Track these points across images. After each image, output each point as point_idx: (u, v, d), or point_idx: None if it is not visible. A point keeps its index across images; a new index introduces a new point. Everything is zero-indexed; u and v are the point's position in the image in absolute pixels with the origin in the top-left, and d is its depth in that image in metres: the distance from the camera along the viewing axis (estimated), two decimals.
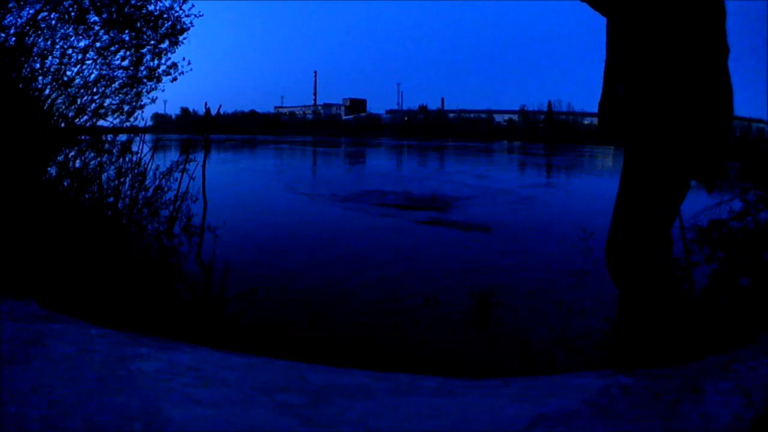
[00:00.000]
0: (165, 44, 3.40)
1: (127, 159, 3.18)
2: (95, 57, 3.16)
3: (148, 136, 3.60)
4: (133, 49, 3.27)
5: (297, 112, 79.63)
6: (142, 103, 3.49)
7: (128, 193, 3.13)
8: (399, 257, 4.11)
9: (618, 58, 1.41)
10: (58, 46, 3.03)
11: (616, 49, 1.42)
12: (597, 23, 1.54)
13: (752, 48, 1.46)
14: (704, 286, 2.09)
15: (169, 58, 3.44)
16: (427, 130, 63.41)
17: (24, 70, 2.90)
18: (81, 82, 3.15)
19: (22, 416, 1.02)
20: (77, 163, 3.03)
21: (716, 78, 1.35)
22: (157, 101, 3.68)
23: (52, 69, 3.01)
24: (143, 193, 3.20)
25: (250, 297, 2.91)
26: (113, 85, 3.33)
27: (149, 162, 3.33)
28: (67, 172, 2.94)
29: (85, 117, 3.23)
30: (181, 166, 3.53)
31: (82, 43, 3.09)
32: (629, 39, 1.39)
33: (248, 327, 2.47)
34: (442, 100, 76.38)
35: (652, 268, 1.42)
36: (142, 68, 3.37)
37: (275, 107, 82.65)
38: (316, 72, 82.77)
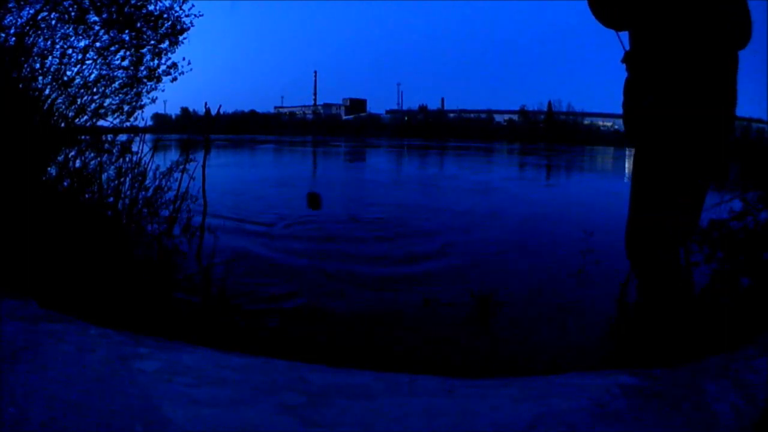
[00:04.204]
0: (165, 44, 3.40)
1: (127, 159, 3.18)
2: (95, 57, 3.15)
3: (148, 136, 3.60)
4: (133, 49, 3.27)
5: (297, 112, 79.54)
6: (142, 103, 3.49)
7: (128, 193, 3.13)
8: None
9: (640, 69, 1.47)
10: (58, 46, 3.02)
11: (637, 61, 1.48)
12: (597, 24, 1.57)
13: (752, 48, 1.48)
14: (704, 286, 2.09)
15: (169, 58, 3.44)
16: (427, 130, 63.40)
17: (24, 70, 2.90)
18: (81, 82, 3.15)
19: (22, 417, 1.02)
20: (77, 163, 3.02)
21: (727, 86, 1.42)
22: (157, 101, 3.68)
23: (52, 69, 3.01)
24: (143, 193, 3.20)
25: (250, 296, 2.91)
26: (113, 85, 3.32)
27: (149, 162, 3.32)
28: (67, 172, 2.93)
29: (85, 117, 3.23)
30: (181, 166, 3.53)
31: (82, 43, 3.09)
32: (649, 52, 1.45)
33: (248, 327, 2.47)
34: (442, 100, 76.39)
35: (665, 264, 1.46)
36: (142, 68, 3.36)
37: (275, 107, 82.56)
38: (316, 72, 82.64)
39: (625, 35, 1.54)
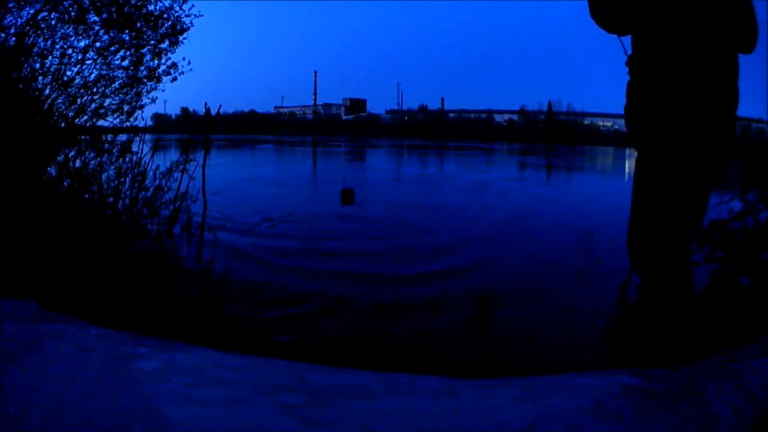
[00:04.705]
0: (165, 44, 3.41)
1: (127, 159, 3.19)
2: (95, 57, 3.16)
3: (148, 136, 3.60)
4: (133, 49, 3.27)
5: (297, 112, 79.50)
6: (142, 103, 3.49)
7: (128, 193, 3.14)
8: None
9: (642, 72, 1.47)
10: (58, 46, 3.03)
11: (639, 64, 1.48)
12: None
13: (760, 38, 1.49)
14: (704, 286, 2.09)
15: (169, 58, 3.45)
16: (427, 130, 63.42)
17: (24, 70, 2.90)
18: (81, 82, 3.15)
19: (22, 416, 1.02)
20: (77, 163, 3.03)
21: (727, 86, 1.42)
22: (157, 101, 3.68)
23: (52, 69, 3.01)
24: (143, 193, 3.21)
25: (250, 297, 2.91)
26: (113, 85, 3.33)
27: (149, 162, 3.33)
28: (67, 172, 2.94)
29: (85, 117, 3.23)
30: (181, 166, 3.54)
31: (82, 43, 3.10)
32: (650, 54, 1.45)
33: (248, 327, 2.47)
34: (442, 100, 76.34)
35: (666, 264, 1.46)
36: (142, 68, 3.37)
37: (275, 107, 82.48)
38: (316, 72, 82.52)
39: (627, 39, 1.54)
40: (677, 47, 1.42)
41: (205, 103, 4.56)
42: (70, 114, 3.14)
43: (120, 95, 3.38)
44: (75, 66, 3.09)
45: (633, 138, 1.53)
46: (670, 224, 1.46)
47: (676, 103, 1.41)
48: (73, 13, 3.01)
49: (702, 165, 1.44)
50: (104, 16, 3.08)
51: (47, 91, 3.01)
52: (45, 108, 2.98)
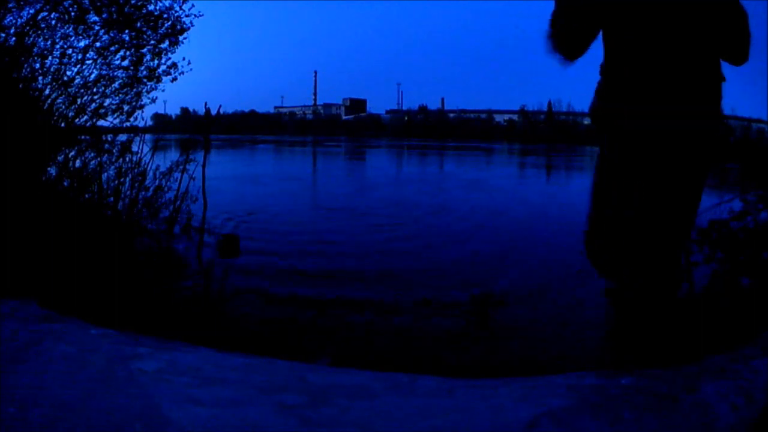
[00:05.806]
0: (165, 44, 3.40)
1: (127, 159, 3.19)
2: (95, 57, 3.15)
3: (148, 136, 3.60)
4: (133, 49, 3.27)
5: (297, 112, 79.40)
6: (142, 103, 3.49)
7: (128, 193, 3.14)
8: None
9: (614, 74, 1.44)
10: (58, 46, 3.02)
11: (610, 67, 1.44)
12: None
13: (752, 48, 1.46)
14: (704, 286, 2.09)
15: (169, 58, 3.44)
16: (427, 130, 63.35)
17: (24, 70, 2.90)
18: (81, 82, 3.15)
19: (22, 416, 1.02)
20: (77, 163, 3.02)
21: (711, 94, 1.39)
22: (157, 101, 3.68)
23: (52, 69, 3.00)
24: (143, 193, 3.21)
25: (249, 296, 2.91)
26: (113, 85, 3.32)
27: (149, 162, 3.33)
28: (67, 172, 2.94)
29: (85, 117, 3.23)
30: (181, 166, 3.55)
31: (82, 43, 3.09)
32: (624, 58, 1.40)
33: (248, 327, 2.47)
34: (442, 100, 76.12)
35: (634, 264, 1.44)
36: (142, 68, 3.36)
37: (275, 107, 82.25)
38: (316, 72, 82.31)
39: None
40: (655, 49, 1.37)
41: (205, 103, 4.58)
42: (70, 114, 3.14)
43: (120, 95, 3.37)
44: (75, 66, 3.09)
45: (603, 135, 1.48)
46: (661, 226, 1.43)
47: (652, 101, 1.37)
48: (73, 13, 3.01)
49: (685, 163, 1.39)
50: (104, 16, 3.07)
51: (47, 91, 3.00)
52: (45, 108, 2.97)
